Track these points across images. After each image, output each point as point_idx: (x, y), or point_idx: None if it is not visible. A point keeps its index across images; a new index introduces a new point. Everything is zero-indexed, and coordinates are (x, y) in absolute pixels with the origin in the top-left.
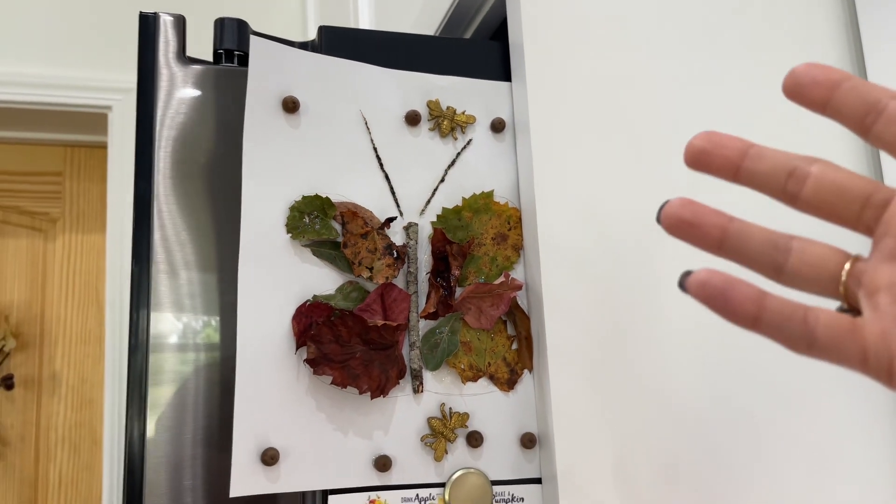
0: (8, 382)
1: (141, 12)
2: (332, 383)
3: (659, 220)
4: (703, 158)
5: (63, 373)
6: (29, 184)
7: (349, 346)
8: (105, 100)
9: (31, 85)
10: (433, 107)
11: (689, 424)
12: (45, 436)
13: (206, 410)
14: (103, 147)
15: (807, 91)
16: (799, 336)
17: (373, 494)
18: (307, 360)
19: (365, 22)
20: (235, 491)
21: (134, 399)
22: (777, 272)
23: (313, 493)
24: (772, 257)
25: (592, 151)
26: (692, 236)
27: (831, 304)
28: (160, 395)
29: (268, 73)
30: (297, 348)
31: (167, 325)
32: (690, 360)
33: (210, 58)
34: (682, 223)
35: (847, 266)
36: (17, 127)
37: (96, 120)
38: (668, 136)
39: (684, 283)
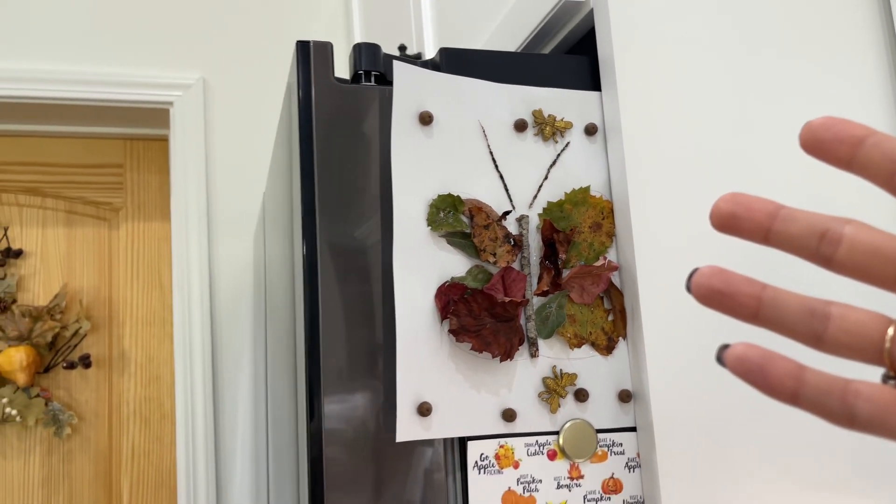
0: (86, 361)
1: (298, 41)
2: (471, 349)
3: (689, 288)
4: (732, 222)
5: (132, 352)
6: (93, 175)
7: (480, 318)
8: (167, 96)
9: (98, 83)
10: (537, 115)
11: None
12: (118, 410)
13: (363, 372)
14: (161, 139)
15: (828, 147)
16: (840, 411)
17: (501, 441)
18: (450, 331)
19: (429, 36)
20: (400, 437)
21: (313, 367)
22: (817, 341)
23: (453, 439)
24: (810, 326)
25: (675, 149)
26: (726, 307)
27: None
28: (329, 363)
29: (408, 93)
30: (442, 321)
31: (333, 301)
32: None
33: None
34: (713, 293)
35: (890, 332)
36: (82, 122)
37: (156, 114)
38: (741, 133)
39: (722, 356)
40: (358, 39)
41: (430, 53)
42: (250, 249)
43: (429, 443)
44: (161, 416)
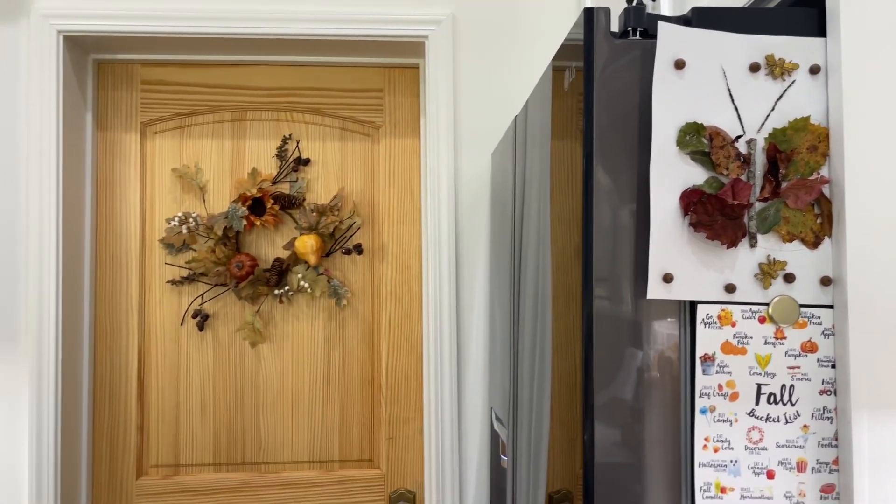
0: (359, 249)
1: (585, 8)
2: (706, 238)
3: None
4: None
5: (388, 245)
6: (360, 98)
7: (713, 216)
8: (423, 30)
9: (366, 21)
10: (769, 59)
11: None
12: (378, 290)
13: (623, 250)
14: (412, 68)
15: None
16: None
17: (723, 306)
18: (691, 224)
19: None
20: (650, 295)
21: (587, 249)
22: None
23: (686, 301)
24: None
25: (887, 86)
26: None
27: None
28: (599, 246)
29: (668, 45)
30: (684, 216)
31: (602, 201)
32: None
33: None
34: None
35: None
36: (352, 54)
37: (411, 47)
38: None
39: None
40: None
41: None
42: (488, 163)
43: (669, 303)
44: (410, 297)
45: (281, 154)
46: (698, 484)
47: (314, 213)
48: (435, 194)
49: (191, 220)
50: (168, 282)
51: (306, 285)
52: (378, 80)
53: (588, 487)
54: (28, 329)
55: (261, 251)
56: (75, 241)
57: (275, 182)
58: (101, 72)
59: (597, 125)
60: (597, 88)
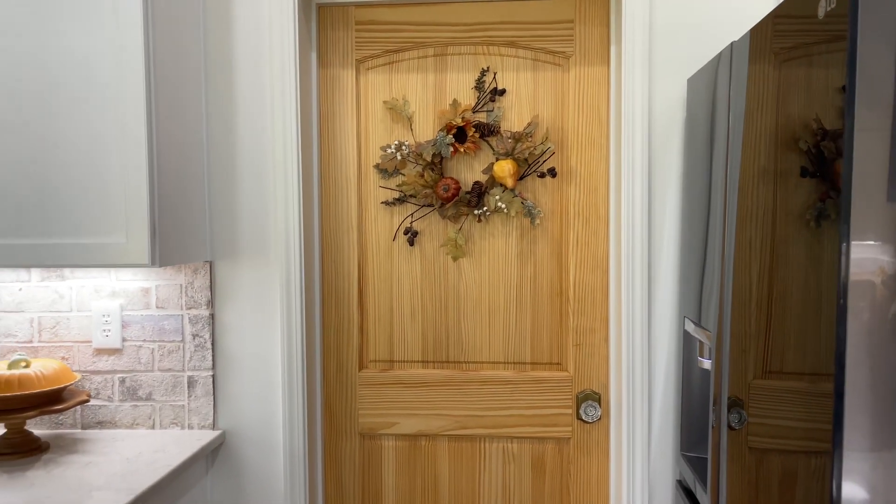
0: (552, 172)
1: None
2: None
3: None
4: None
5: (577, 168)
6: (551, 30)
7: None
8: None
9: None
10: None
11: None
12: (566, 211)
13: (880, 168)
14: None
15: None
16: None
17: None
18: None
19: None
20: None
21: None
22: None
23: None
24: None
25: None
26: None
27: None
28: (860, 149)
29: None
30: None
31: (867, 124)
32: None
33: None
34: None
35: None
36: None
37: None
38: None
39: None
40: None
41: None
42: (682, 88)
43: None
44: (597, 217)
45: (479, 85)
46: None
47: (510, 140)
48: (629, 119)
49: (403, 147)
50: (382, 203)
51: (503, 206)
52: (569, 12)
53: (840, 367)
54: (276, 241)
55: (460, 175)
56: (307, 168)
57: (473, 111)
58: (322, 14)
59: (860, 52)
60: (862, 16)
